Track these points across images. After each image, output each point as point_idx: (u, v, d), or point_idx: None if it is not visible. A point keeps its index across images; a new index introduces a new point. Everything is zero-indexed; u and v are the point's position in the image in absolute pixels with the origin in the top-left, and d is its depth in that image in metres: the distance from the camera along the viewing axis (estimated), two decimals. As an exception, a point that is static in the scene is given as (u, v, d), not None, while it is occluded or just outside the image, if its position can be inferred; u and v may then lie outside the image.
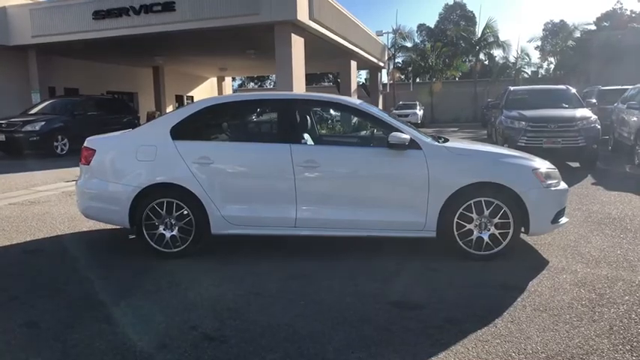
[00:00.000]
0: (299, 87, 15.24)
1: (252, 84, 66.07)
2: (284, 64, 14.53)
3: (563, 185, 4.03)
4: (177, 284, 3.52)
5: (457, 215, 3.81)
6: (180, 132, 4.10)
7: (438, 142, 4.11)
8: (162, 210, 4.03)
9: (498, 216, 3.79)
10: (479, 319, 2.86)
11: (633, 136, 9.17)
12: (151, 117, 21.62)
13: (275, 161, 3.96)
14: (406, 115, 23.90)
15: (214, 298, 3.29)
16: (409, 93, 31.45)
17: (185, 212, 4.01)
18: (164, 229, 4.06)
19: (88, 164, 4.22)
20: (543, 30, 42.47)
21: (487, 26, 30.10)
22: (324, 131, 4.05)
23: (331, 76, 48.93)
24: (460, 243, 3.84)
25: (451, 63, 32.65)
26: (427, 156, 3.83)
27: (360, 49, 21.22)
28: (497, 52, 32.42)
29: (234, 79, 43.32)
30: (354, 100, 4.16)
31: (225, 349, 2.59)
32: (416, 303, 3.11)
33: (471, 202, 3.79)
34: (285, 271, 3.73)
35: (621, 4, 43.17)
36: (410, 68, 37.01)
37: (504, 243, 3.83)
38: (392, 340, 2.64)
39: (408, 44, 32.36)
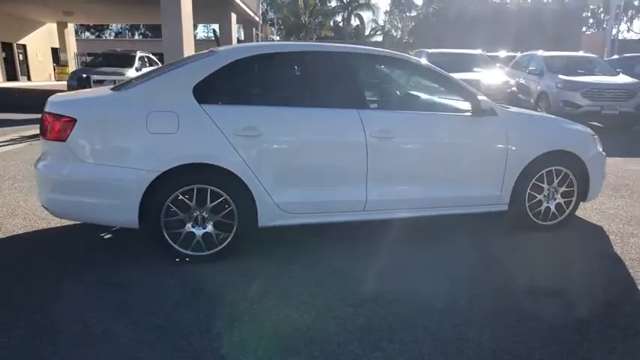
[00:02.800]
0: (188, 42, 13.42)
1: (87, 33, 57.29)
2: (171, 13, 12.55)
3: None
4: (249, 309, 2.59)
5: (530, 186, 3.58)
6: (207, 93, 2.99)
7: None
8: (192, 201, 2.96)
9: (565, 185, 3.68)
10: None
11: (533, 100, 10.18)
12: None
13: (344, 131, 3.16)
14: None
15: (308, 326, 2.48)
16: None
17: (223, 201, 3.00)
18: (193, 226, 3.00)
19: (64, 140, 2.84)
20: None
21: (358, -12, 30.70)
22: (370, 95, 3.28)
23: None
24: (530, 214, 3.64)
25: (325, 22, 32.66)
26: (505, 123, 3.47)
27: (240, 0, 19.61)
28: (367, 15, 33.53)
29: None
30: (420, 59, 3.54)
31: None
32: (553, 289, 2.80)
33: (544, 171, 3.59)
34: (368, 263, 3.06)
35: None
36: (275, 28, 35.95)
37: (567, 211, 3.74)
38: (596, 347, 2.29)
39: (279, -1, 31.28)
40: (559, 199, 3.70)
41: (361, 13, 32.33)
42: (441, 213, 3.50)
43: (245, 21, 24.68)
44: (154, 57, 15.57)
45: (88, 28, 56.01)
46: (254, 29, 25.44)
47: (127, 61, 13.83)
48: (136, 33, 57.86)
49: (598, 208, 4.34)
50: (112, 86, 3.49)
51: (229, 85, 3.07)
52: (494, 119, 3.44)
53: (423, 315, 2.47)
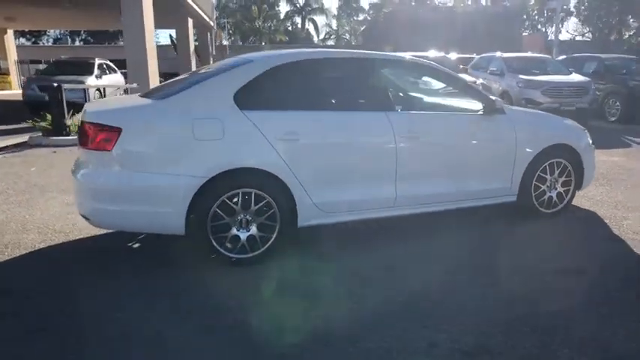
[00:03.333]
0: (151, 48, 13.10)
1: (22, 39, 54.01)
2: (133, 18, 12.20)
3: (590, 143, 4.48)
4: (312, 304, 2.73)
5: (535, 177, 3.92)
6: (247, 99, 3.07)
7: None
8: (237, 205, 3.03)
9: (564, 175, 4.05)
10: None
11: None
12: None
13: (375, 133, 3.35)
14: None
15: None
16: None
17: (265, 204, 3.09)
18: (238, 230, 3.07)
19: (109, 150, 2.83)
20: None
21: (311, -7, 31.10)
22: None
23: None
24: (535, 203, 3.98)
25: (278, 27, 32.76)
26: (512, 121, 3.79)
27: (196, 4, 19.31)
28: (321, 19, 34.03)
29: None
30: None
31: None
32: (576, 269, 3.11)
33: (546, 164, 3.94)
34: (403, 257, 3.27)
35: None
36: (225, 32, 35.58)
37: (566, 199, 4.12)
38: None
39: (231, 4, 31.04)
40: (559, 189, 4.06)
41: (315, 17, 32.90)
42: (460, 206, 3.75)
43: (201, 26, 24.29)
44: (111, 64, 15.08)
45: (22, 33, 52.82)
46: (208, 34, 25.11)
47: (85, 68, 13.31)
48: (77, 39, 55.28)
49: (585, 196, 4.77)
50: (140, 94, 3.49)
51: (268, 91, 3.17)
52: (503, 117, 3.75)
53: (474, 301, 2.71)
